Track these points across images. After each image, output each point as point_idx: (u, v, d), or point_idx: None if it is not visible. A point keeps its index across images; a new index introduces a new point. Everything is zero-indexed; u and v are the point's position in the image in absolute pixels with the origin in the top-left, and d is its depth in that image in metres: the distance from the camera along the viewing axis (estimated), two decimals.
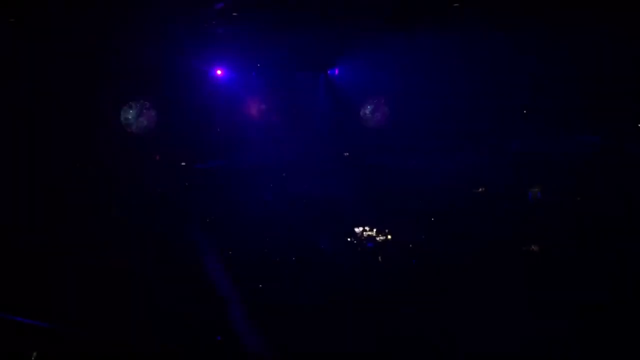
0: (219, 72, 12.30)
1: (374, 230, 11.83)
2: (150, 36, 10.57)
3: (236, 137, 12.89)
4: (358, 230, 11.85)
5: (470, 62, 12.49)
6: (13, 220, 9.92)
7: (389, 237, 11.75)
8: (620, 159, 12.39)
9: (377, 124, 13.67)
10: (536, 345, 8.25)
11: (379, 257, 11.32)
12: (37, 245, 9.67)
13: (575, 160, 12.58)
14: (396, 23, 11.13)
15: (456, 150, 13.10)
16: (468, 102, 12.75)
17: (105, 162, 11.35)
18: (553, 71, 12.26)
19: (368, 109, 13.65)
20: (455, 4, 10.53)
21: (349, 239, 11.76)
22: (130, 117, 11.73)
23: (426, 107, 12.83)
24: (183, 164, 12.42)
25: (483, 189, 12.78)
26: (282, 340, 8.45)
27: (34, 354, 6.92)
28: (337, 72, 13.23)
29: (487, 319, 8.78)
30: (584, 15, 10.70)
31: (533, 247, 11.25)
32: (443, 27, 11.37)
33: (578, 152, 12.79)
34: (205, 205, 12.02)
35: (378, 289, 10.03)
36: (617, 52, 11.79)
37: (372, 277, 10.66)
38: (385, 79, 13.02)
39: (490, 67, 12.51)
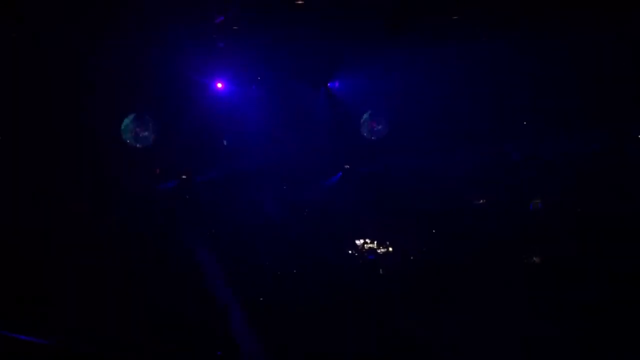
0: (219, 85, 12.29)
1: (375, 242, 11.85)
2: (152, 48, 10.59)
3: (237, 145, 12.88)
4: (359, 242, 11.87)
5: (470, 63, 12.47)
6: (13, 222, 9.94)
7: (390, 249, 11.77)
8: (620, 159, 12.39)
9: (377, 126, 13.65)
10: (536, 345, 8.26)
11: (380, 270, 11.34)
12: (36, 247, 9.70)
13: (575, 161, 12.58)
14: (396, 24, 11.11)
15: (456, 150, 13.10)
16: (468, 103, 12.73)
17: (105, 171, 11.35)
18: (553, 71, 12.24)
19: (368, 112, 13.63)
20: (455, 17, 10.54)
21: (350, 252, 11.77)
22: (130, 129, 11.69)
23: (426, 107, 12.82)
24: (184, 177, 12.43)
25: (484, 200, 12.80)
26: (282, 340, 8.48)
27: None
28: (337, 84, 13.24)
29: (487, 319, 8.80)
30: (584, 15, 10.67)
31: (533, 247, 11.25)
32: (443, 27, 11.36)
33: (578, 152, 12.79)
34: (207, 214, 12.03)
35: (378, 291, 10.06)
36: (617, 52, 11.77)
37: (373, 283, 10.69)
38: (385, 80, 12.99)
39: (490, 67, 12.49)
